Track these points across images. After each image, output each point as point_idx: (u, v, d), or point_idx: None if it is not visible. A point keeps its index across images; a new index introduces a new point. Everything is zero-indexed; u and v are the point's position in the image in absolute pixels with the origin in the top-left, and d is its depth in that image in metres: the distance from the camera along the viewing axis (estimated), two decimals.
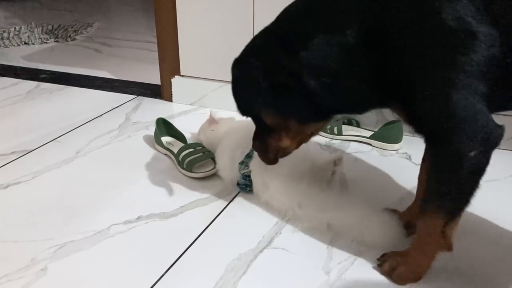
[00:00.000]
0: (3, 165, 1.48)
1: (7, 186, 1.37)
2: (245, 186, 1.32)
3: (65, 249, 1.11)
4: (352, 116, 1.73)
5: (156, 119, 1.59)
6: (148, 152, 1.56)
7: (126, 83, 2.18)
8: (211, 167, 1.41)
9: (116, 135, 1.69)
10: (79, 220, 1.22)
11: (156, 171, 1.45)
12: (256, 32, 1.03)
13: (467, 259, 1.10)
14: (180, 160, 1.43)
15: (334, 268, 1.06)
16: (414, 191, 1.34)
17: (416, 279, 1.03)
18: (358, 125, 1.71)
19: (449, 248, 0.99)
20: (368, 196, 1.34)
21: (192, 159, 1.41)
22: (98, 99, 2.00)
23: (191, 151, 1.43)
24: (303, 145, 1.14)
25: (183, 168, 1.41)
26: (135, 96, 2.02)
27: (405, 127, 1.66)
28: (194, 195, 1.33)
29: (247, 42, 1.03)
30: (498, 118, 0.92)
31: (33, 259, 1.08)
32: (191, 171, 1.40)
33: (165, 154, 1.53)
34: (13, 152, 1.55)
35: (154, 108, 1.91)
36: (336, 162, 1.37)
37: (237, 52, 1.02)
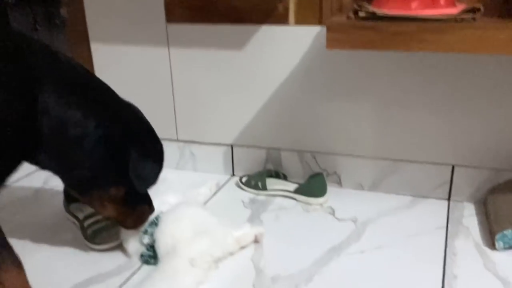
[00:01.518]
0: None
1: None
2: (149, 258, 1.23)
3: None
4: (279, 169, 1.67)
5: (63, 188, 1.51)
6: (59, 220, 1.47)
7: None
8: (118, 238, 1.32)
9: (30, 202, 1.60)
10: None
11: (57, 242, 1.36)
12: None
13: None
14: (84, 229, 1.34)
15: None
16: (333, 251, 1.28)
17: None
18: (285, 178, 1.65)
19: None
20: (279, 260, 1.25)
21: (97, 229, 1.32)
22: None
23: (97, 220, 1.35)
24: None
25: (85, 238, 1.33)
26: None
27: (330, 178, 1.61)
28: (95, 269, 1.23)
29: None
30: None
31: None
32: (94, 243, 1.31)
33: (73, 223, 1.45)
34: None
35: None
36: (257, 238, 1.32)
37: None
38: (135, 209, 1.22)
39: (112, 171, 1.11)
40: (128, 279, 1.20)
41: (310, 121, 1.59)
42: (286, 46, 1.52)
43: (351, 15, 1.16)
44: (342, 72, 1.50)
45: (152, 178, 1.17)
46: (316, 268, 1.23)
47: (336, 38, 1.12)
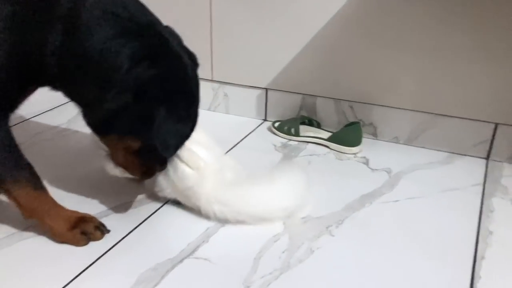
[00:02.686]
0: None
1: None
2: None
3: None
4: (313, 116, 1.64)
5: None
6: (91, 149, 1.48)
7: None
8: None
9: (62, 130, 1.61)
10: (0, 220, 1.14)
11: (92, 170, 1.37)
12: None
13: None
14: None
15: (255, 282, 0.97)
16: (365, 199, 1.27)
17: None
18: (318, 126, 1.62)
19: None
20: (310, 203, 1.24)
21: None
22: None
23: None
24: None
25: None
26: None
27: (366, 129, 1.57)
28: (123, 198, 1.24)
29: None
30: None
31: None
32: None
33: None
34: None
35: None
36: None
37: None
38: (145, 164, 1.11)
39: (134, 120, 0.99)
40: (162, 206, 1.21)
41: (349, 69, 1.54)
42: None
43: None
44: (386, 18, 1.43)
45: (174, 144, 1.04)
46: (347, 212, 1.21)
47: None
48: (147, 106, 0.96)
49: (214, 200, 1.13)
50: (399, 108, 1.53)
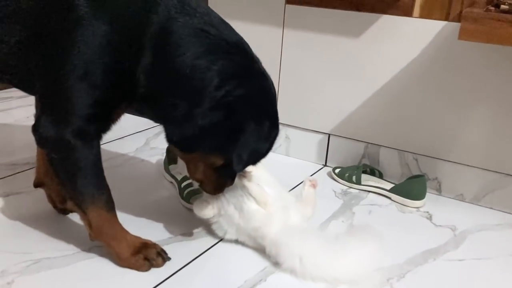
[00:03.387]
0: (14, 174, 1.49)
1: (7, 195, 1.37)
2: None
3: (38, 265, 1.07)
4: (375, 166, 1.62)
5: (167, 146, 1.56)
6: (156, 179, 1.53)
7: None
8: None
9: (130, 158, 1.68)
10: (66, 237, 1.18)
11: (156, 198, 1.41)
12: None
13: None
14: (181, 189, 1.37)
15: None
16: (428, 254, 1.22)
17: None
18: (380, 176, 1.60)
19: None
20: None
21: (192, 190, 1.35)
22: (124, 121, 2.01)
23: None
24: None
25: (182, 197, 1.36)
26: None
27: (430, 184, 1.53)
28: (186, 227, 1.26)
29: None
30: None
31: (4, 271, 1.04)
32: (189, 202, 1.34)
33: (171, 182, 1.49)
34: (26, 163, 1.56)
35: None
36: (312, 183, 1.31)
37: None
38: (220, 179, 1.13)
39: (222, 138, 1.00)
40: (222, 239, 1.22)
41: (417, 120, 1.53)
42: (406, 39, 1.47)
43: (491, 7, 1.10)
44: (458, 72, 1.42)
45: (253, 161, 1.06)
46: (409, 266, 1.17)
47: (471, 29, 1.07)
48: (236, 123, 0.98)
49: (297, 252, 1.10)
50: (467, 165, 1.49)
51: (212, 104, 0.97)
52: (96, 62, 0.95)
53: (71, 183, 1.02)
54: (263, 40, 1.71)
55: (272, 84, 1.07)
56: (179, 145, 1.07)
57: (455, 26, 1.37)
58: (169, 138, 1.06)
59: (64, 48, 0.94)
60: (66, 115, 0.97)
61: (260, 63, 1.07)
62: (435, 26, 1.42)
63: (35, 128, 1.01)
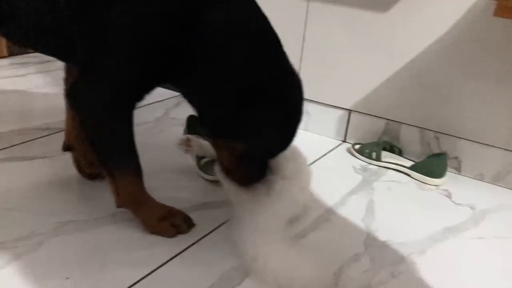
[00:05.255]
0: (35, 139, 1.50)
1: (32, 159, 1.38)
2: None
3: (66, 227, 1.09)
4: (395, 143, 1.62)
5: (187, 116, 1.56)
6: (176, 148, 1.53)
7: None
8: None
9: (150, 127, 1.69)
10: (91, 202, 1.20)
11: (178, 168, 1.42)
12: None
13: None
14: (198, 159, 1.38)
15: None
16: (448, 231, 1.23)
17: None
18: (400, 153, 1.60)
19: None
20: (391, 227, 1.23)
21: (210, 161, 1.36)
22: None
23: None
24: None
25: (199, 168, 1.37)
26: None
27: (450, 163, 1.53)
28: (208, 196, 1.28)
29: None
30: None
31: (33, 232, 1.06)
32: (206, 173, 1.35)
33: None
34: (47, 128, 1.57)
35: None
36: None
37: None
38: (246, 171, 1.12)
39: (237, 124, 1.01)
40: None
41: (439, 98, 1.52)
42: (435, 14, 1.45)
43: None
44: (486, 50, 1.40)
45: (270, 150, 1.06)
46: (429, 242, 1.18)
47: (509, 6, 1.05)
48: (249, 109, 0.99)
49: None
50: (488, 145, 1.49)
51: (233, 92, 0.98)
52: (140, 34, 0.94)
53: (104, 149, 1.03)
54: (287, 13, 1.69)
55: (298, 80, 1.08)
56: (210, 129, 1.09)
57: (487, 1, 1.35)
58: (201, 123, 1.09)
59: (114, 16, 0.93)
60: (104, 83, 0.97)
61: (289, 61, 1.08)
62: (467, 1, 1.39)
63: (71, 94, 1.02)
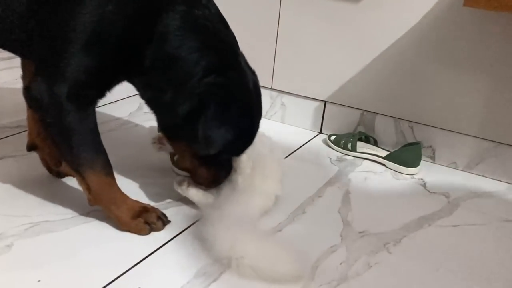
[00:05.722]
0: (4, 137, 1.46)
1: (1, 158, 1.34)
2: None
3: (37, 228, 1.06)
4: (370, 133, 1.63)
5: None
6: (149, 145, 1.51)
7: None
8: None
9: (123, 122, 1.66)
10: (62, 201, 1.17)
11: (152, 163, 1.39)
12: None
13: None
14: (172, 155, 1.36)
15: None
16: (423, 220, 1.25)
17: None
18: (375, 143, 1.61)
19: None
20: (367, 218, 1.23)
21: None
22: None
23: None
24: None
25: (173, 164, 1.35)
26: None
27: (424, 152, 1.55)
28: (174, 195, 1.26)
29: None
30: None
31: (2, 233, 1.03)
32: (179, 169, 1.33)
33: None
34: (17, 126, 1.53)
35: None
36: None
37: None
38: (210, 170, 1.13)
39: (195, 127, 1.00)
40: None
41: (413, 88, 1.53)
42: (407, 5, 1.45)
43: None
44: (457, 40, 1.42)
45: (216, 145, 1.02)
46: (405, 232, 1.19)
47: None
48: (207, 111, 0.99)
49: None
50: (461, 133, 1.50)
51: (191, 94, 0.99)
52: (101, 30, 0.93)
53: (67, 148, 1.01)
54: (260, 5, 1.68)
55: (255, 82, 1.10)
56: (164, 132, 1.12)
57: None
58: (158, 124, 1.11)
59: (70, 11, 0.92)
60: (62, 79, 0.95)
61: (246, 63, 1.09)
62: None
63: (28, 91, 0.99)
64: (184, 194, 1.18)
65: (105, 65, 0.97)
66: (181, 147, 1.12)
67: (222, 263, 1.00)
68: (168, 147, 1.28)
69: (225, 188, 1.14)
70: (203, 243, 1.06)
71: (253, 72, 1.12)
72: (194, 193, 1.17)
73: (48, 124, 1.00)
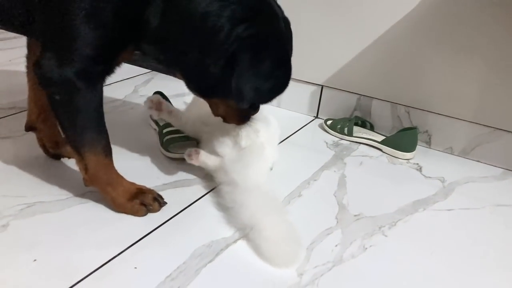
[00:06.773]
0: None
1: None
2: None
3: (32, 209, 1.06)
4: (367, 118, 1.63)
5: (154, 92, 1.53)
6: (146, 126, 1.51)
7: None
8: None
9: (119, 105, 1.65)
10: (58, 182, 1.16)
11: (148, 145, 1.39)
12: None
13: None
14: (161, 135, 1.37)
15: (308, 271, 0.97)
16: (418, 204, 1.25)
17: None
18: (371, 128, 1.61)
19: None
20: (363, 201, 1.24)
21: (171, 138, 1.34)
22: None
23: (174, 130, 1.37)
24: None
25: (161, 144, 1.35)
26: (149, 70, 1.97)
27: (420, 137, 1.55)
28: (180, 174, 1.26)
29: None
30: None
31: None
32: (167, 150, 1.33)
33: (155, 129, 1.48)
34: (12, 107, 1.52)
35: (165, 85, 1.85)
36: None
37: None
38: (243, 112, 1.15)
39: (227, 82, 0.98)
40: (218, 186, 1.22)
41: (410, 73, 1.53)
42: None
43: None
44: (455, 25, 1.41)
45: (249, 97, 1.00)
46: (400, 215, 1.20)
47: None
48: (237, 65, 0.96)
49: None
50: (457, 119, 1.51)
51: (223, 51, 0.95)
52: (104, 1, 0.91)
53: (71, 126, 1.00)
54: None
55: (286, 20, 1.07)
56: (197, 92, 1.09)
57: None
58: (186, 86, 1.07)
59: None
60: (71, 56, 0.93)
61: (275, 5, 1.04)
62: None
63: (38, 67, 0.97)
64: (197, 164, 1.20)
65: (110, 37, 0.95)
66: (214, 101, 1.12)
67: (218, 245, 1.01)
68: (163, 115, 1.32)
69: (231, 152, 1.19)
70: (201, 223, 1.06)
71: (278, 6, 1.07)
72: (206, 158, 1.20)
73: (55, 102, 0.98)
